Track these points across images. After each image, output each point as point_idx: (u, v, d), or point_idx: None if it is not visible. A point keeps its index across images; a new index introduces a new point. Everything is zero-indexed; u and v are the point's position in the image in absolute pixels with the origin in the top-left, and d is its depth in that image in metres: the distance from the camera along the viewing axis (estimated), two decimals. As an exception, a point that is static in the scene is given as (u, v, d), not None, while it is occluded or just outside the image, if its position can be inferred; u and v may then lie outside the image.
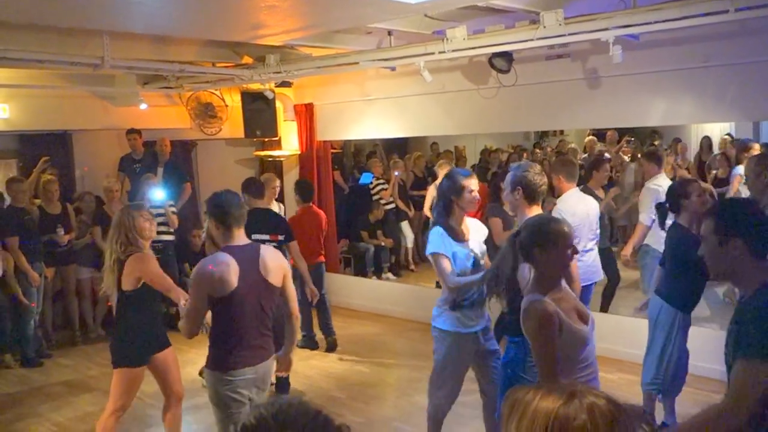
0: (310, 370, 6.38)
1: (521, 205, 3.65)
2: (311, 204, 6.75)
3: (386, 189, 9.48)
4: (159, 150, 7.94)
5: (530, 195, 3.63)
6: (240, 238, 3.44)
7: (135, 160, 7.88)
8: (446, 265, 3.80)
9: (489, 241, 4.22)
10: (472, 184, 3.89)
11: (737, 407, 2.08)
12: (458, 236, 3.90)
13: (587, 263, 5.04)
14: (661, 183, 5.79)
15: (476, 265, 3.90)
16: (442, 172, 6.51)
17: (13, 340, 6.64)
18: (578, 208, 5.03)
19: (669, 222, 4.43)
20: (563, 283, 2.82)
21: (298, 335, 3.88)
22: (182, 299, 3.85)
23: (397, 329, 7.46)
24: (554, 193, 5.34)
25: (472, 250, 3.91)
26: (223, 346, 3.42)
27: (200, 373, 6.18)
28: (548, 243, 2.70)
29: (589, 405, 1.14)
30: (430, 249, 3.86)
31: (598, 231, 5.29)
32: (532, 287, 2.75)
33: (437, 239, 3.85)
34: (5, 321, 6.52)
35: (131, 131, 7.79)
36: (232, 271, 3.31)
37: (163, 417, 4.35)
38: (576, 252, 2.79)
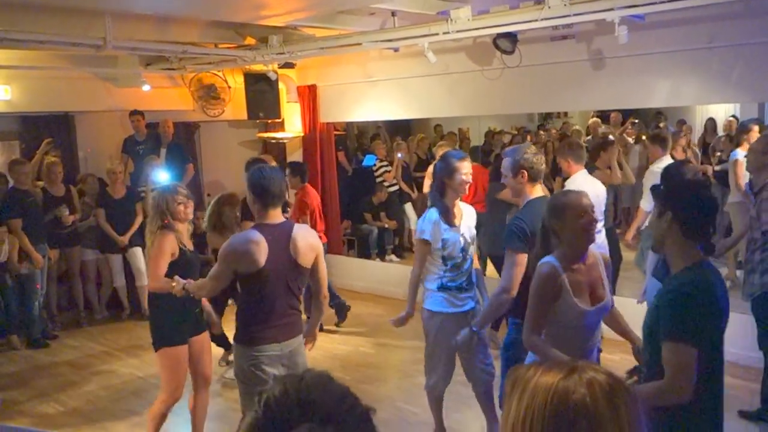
0: (314, 351, 6.30)
1: (525, 188, 3.64)
2: (307, 184, 6.77)
3: (389, 171, 9.46)
4: (162, 131, 7.95)
5: (534, 176, 3.63)
6: (275, 216, 3.44)
7: (138, 142, 7.88)
8: (424, 253, 3.97)
9: (478, 227, 4.27)
10: (465, 166, 3.90)
11: (679, 388, 2.19)
12: (450, 219, 3.93)
13: (597, 244, 5.03)
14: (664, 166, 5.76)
15: (464, 250, 3.95)
16: (440, 153, 6.52)
17: (19, 322, 6.69)
18: (587, 189, 5.01)
19: None
20: (593, 256, 2.91)
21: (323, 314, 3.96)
22: (174, 289, 3.73)
23: (401, 311, 7.46)
24: (562, 175, 5.34)
25: (462, 234, 3.95)
26: (249, 322, 3.48)
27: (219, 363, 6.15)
28: (558, 214, 2.80)
29: (588, 379, 1.14)
30: (419, 234, 4.00)
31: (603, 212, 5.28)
32: (555, 251, 2.86)
33: (428, 226, 3.92)
34: (11, 302, 6.56)
35: (134, 113, 7.78)
36: (261, 249, 3.33)
37: (191, 401, 4.30)
38: (593, 220, 2.84)
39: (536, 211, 3.40)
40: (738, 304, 4.41)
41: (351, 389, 1.03)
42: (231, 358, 5.97)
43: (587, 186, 5.03)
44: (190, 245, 4.10)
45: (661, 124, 9.89)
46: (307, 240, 3.52)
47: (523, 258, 3.40)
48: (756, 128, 7.48)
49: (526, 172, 3.60)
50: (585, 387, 1.13)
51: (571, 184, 4.99)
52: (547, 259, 2.81)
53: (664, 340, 2.22)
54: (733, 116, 9.43)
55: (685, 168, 4.29)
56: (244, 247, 3.35)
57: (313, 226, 6.59)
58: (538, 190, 3.67)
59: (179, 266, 3.91)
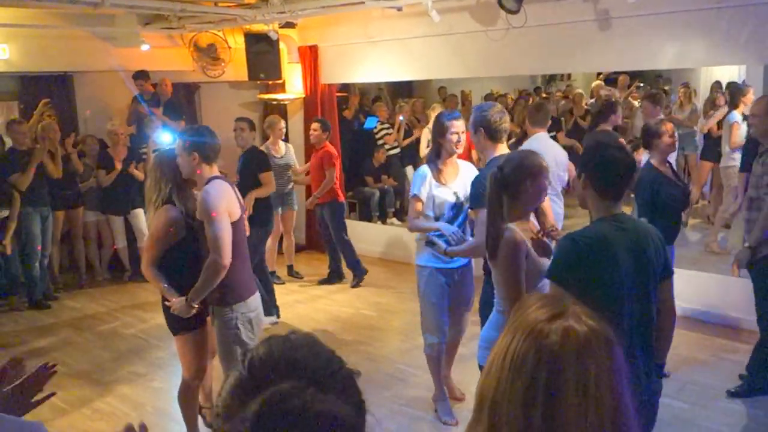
0: (317, 313, 6.45)
1: (486, 146, 3.72)
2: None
3: (390, 134, 9.40)
4: (160, 90, 7.89)
5: (492, 134, 3.69)
6: (215, 171, 3.53)
7: (144, 101, 7.82)
8: (415, 207, 3.98)
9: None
10: (456, 125, 3.93)
11: None
12: (442, 177, 3.97)
13: (554, 210, 5.01)
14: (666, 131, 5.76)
15: (456, 207, 3.99)
16: (433, 115, 6.59)
17: (20, 283, 6.71)
18: (544, 152, 4.94)
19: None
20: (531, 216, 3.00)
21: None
22: (174, 307, 3.53)
23: (403, 273, 7.50)
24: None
25: (455, 192, 3.98)
26: (238, 275, 3.48)
27: None
28: (530, 174, 2.80)
29: (566, 328, 1.15)
30: (412, 191, 4.04)
31: (566, 179, 5.22)
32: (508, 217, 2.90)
33: (418, 181, 4.00)
34: (12, 264, 6.57)
35: (139, 76, 7.68)
36: (234, 196, 3.50)
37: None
38: (543, 194, 2.90)
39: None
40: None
41: (336, 352, 1.01)
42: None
43: (546, 149, 4.98)
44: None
45: (667, 87, 9.80)
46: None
47: None
48: (752, 90, 7.44)
49: (482, 130, 3.68)
50: (559, 335, 1.14)
51: (527, 146, 4.96)
52: (509, 226, 2.81)
53: (548, 278, 2.48)
54: (734, 82, 9.32)
55: (664, 127, 4.40)
56: (227, 192, 3.44)
57: (337, 181, 6.98)
58: (502, 149, 3.72)
59: (182, 248, 3.55)
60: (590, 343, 1.14)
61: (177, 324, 3.61)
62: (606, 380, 1.12)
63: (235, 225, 3.43)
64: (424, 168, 4.02)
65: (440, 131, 3.94)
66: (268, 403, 0.88)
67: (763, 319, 4.32)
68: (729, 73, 10.22)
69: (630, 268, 2.41)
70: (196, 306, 3.47)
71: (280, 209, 7.03)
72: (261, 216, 5.98)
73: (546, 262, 2.80)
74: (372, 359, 5.31)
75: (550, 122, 5.50)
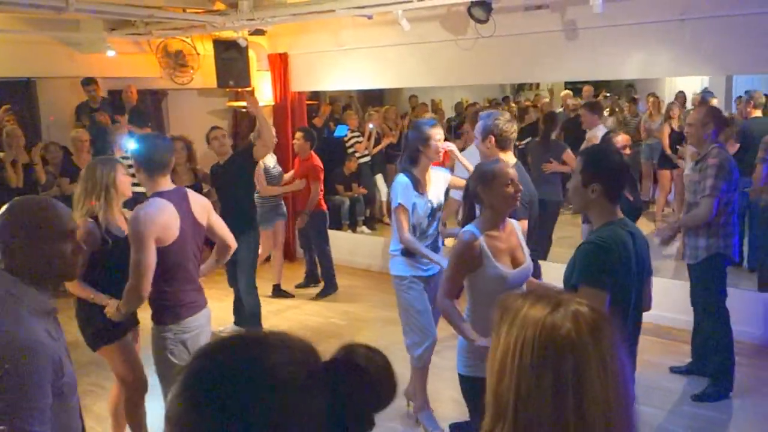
0: (286, 322, 6.39)
1: (494, 153, 3.71)
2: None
3: (360, 142, 9.39)
4: (125, 97, 7.76)
5: (502, 142, 3.73)
6: (165, 184, 3.29)
7: (92, 109, 7.66)
8: (404, 219, 3.91)
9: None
10: (438, 133, 3.95)
11: None
12: (420, 187, 3.98)
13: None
14: (598, 135, 6.07)
15: (431, 216, 4.02)
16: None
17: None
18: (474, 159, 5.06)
19: None
20: (510, 225, 3.04)
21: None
22: (108, 311, 3.45)
23: (373, 282, 7.48)
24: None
25: (430, 200, 4.00)
26: (173, 295, 3.29)
27: None
28: (487, 180, 2.90)
29: (574, 313, 1.17)
30: (396, 201, 3.92)
31: None
32: (476, 220, 3.00)
33: (402, 191, 3.92)
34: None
35: (89, 82, 7.54)
36: (173, 215, 3.21)
37: (116, 403, 3.95)
38: (518, 190, 2.94)
39: (525, 176, 3.62)
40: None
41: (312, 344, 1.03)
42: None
43: (472, 158, 5.05)
44: (124, 225, 3.52)
45: (636, 96, 9.97)
46: (198, 200, 3.46)
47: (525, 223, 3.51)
48: (715, 100, 7.66)
49: (493, 138, 3.70)
50: (571, 321, 1.16)
51: (468, 153, 5.05)
52: (468, 227, 2.94)
53: (579, 285, 2.45)
54: (706, 89, 9.54)
55: (614, 140, 4.55)
56: (160, 215, 3.16)
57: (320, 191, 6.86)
58: (510, 157, 3.74)
59: (105, 258, 3.47)
60: (597, 320, 1.18)
61: (94, 338, 3.59)
62: (615, 352, 1.18)
63: (174, 245, 3.21)
64: (404, 177, 3.94)
65: (422, 140, 3.90)
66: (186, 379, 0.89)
67: (698, 305, 4.58)
68: (692, 82, 10.43)
69: (635, 270, 2.55)
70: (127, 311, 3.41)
71: (276, 222, 6.86)
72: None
73: (507, 271, 2.89)
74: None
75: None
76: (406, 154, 4.01)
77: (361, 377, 0.97)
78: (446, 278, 2.99)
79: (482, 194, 2.94)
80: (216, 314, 6.03)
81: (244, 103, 8.53)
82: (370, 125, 9.40)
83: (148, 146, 3.30)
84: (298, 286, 7.32)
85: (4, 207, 1.97)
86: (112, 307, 3.41)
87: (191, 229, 3.33)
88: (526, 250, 3.09)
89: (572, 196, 2.70)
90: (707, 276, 4.46)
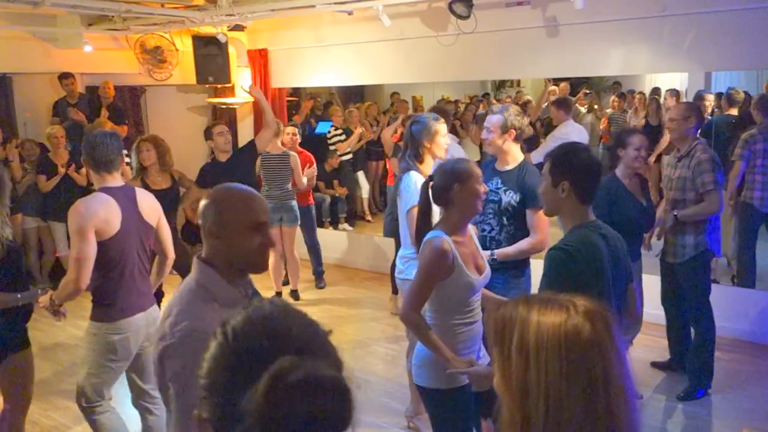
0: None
1: (510, 147, 3.68)
2: None
3: (343, 142, 9.32)
4: (102, 93, 7.66)
5: (519, 136, 3.70)
6: (113, 180, 3.36)
7: (69, 105, 7.56)
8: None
9: None
10: (444, 128, 3.85)
11: None
12: None
13: None
14: (568, 131, 6.01)
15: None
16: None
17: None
18: (454, 153, 4.96)
19: None
20: (469, 232, 2.90)
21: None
22: (43, 306, 3.40)
23: (355, 279, 7.46)
24: None
25: None
26: (112, 294, 3.32)
27: None
28: (462, 179, 2.74)
29: (585, 312, 1.17)
30: (410, 202, 3.62)
31: None
32: (438, 225, 2.82)
33: (413, 190, 3.61)
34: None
35: (66, 76, 7.44)
36: (114, 210, 3.26)
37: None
38: (485, 191, 2.85)
39: (537, 172, 3.51)
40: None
41: (307, 314, 1.04)
42: None
43: (454, 152, 4.97)
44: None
45: (624, 91, 10.02)
46: (148, 200, 3.50)
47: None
48: (710, 96, 7.68)
49: (514, 132, 3.63)
50: (589, 323, 1.16)
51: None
52: (437, 233, 2.74)
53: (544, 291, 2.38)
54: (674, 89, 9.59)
55: (632, 138, 4.34)
56: (101, 208, 3.22)
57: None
58: (518, 151, 3.72)
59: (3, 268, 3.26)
60: (605, 314, 1.19)
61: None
62: (619, 340, 1.19)
63: (113, 240, 3.24)
64: (414, 175, 3.70)
65: (429, 135, 3.74)
66: (275, 379, 0.88)
67: (700, 317, 4.47)
68: (670, 79, 10.49)
69: (610, 275, 2.42)
70: (60, 310, 3.41)
71: (279, 224, 6.50)
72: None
73: (474, 277, 2.76)
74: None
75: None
76: (410, 150, 3.80)
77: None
78: (415, 290, 2.73)
79: (457, 193, 2.75)
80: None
81: (223, 100, 8.47)
82: (361, 129, 9.33)
83: (92, 144, 3.32)
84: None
85: (211, 195, 1.92)
86: (46, 297, 3.40)
87: (135, 226, 3.36)
88: (485, 255, 3.01)
89: (543, 199, 2.61)
90: (696, 274, 4.43)
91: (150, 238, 3.48)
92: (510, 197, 3.62)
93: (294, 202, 6.58)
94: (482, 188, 2.80)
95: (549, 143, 5.98)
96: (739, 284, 5.95)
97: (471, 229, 2.98)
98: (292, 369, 0.89)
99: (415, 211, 3.50)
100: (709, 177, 4.22)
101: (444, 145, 3.82)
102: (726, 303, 5.27)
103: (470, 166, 2.83)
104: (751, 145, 5.60)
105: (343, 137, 9.35)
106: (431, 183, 2.85)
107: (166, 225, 3.62)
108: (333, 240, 8.37)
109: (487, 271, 2.90)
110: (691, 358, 4.59)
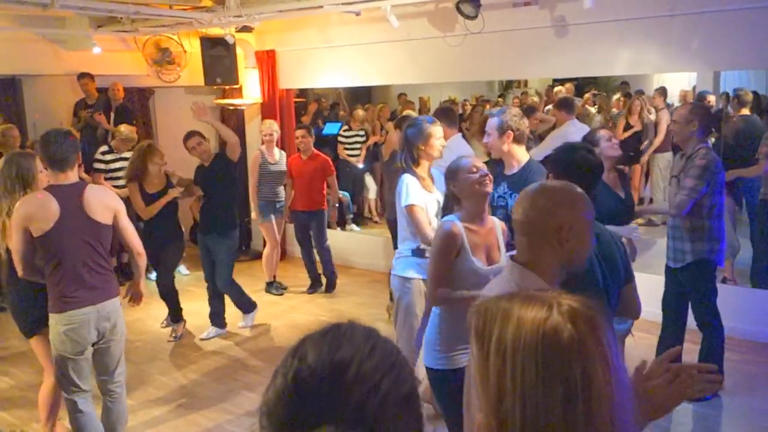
0: (273, 320, 6.36)
1: (511, 149, 3.67)
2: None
3: (364, 143, 9.42)
4: (111, 95, 7.70)
5: (519, 137, 3.67)
6: (65, 178, 3.46)
7: (88, 105, 7.61)
8: (423, 216, 3.78)
9: None
10: (439, 131, 3.86)
11: None
12: (426, 185, 3.88)
13: None
14: (569, 131, 5.97)
15: (437, 215, 3.91)
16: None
17: None
18: (463, 152, 4.96)
19: None
20: (491, 221, 3.05)
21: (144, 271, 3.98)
22: None
23: (362, 280, 7.46)
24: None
25: (437, 200, 3.89)
26: (58, 287, 3.46)
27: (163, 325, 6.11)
28: (453, 175, 2.97)
29: (569, 311, 1.09)
30: (407, 200, 3.77)
31: None
32: (456, 212, 3.02)
33: (413, 190, 3.78)
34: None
35: (82, 75, 7.49)
36: (49, 208, 3.37)
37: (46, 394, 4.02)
38: (484, 175, 2.95)
39: (542, 171, 3.47)
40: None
41: (399, 362, 0.93)
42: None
43: (462, 149, 4.98)
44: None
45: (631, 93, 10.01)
46: (101, 198, 3.59)
47: None
48: (712, 97, 7.65)
49: (512, 133, 3.63)
50: (570, 322, 1.08)
51: (447, 149, 4.94)
52: (450, 217, 2.95)
53: None
54: (694, 87, 9.58)
55: (597, 134, 4.29)
56: (32, 207, 3.37)
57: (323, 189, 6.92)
58: (523, 151, 3.71)
59: None
60: (592, 316, 1.11)
61: (32, 326, 3.80)
62: (612, 344, 1.11)
63: (48, 236, 3.37)
64: (411, 176, 3.82)
65: (424, 138, 3.81)
66: None
67: (706, 322, 4.42)
68: (679, 78, 10.46)
69: (604, 274, 2.41)
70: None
71: (272, 217, 6.87)
72: (172, 232, 5.81)
73: (480, 266, 2.87)
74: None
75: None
76: (406, 153, 3.87)
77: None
78: (432, 272, 2.95)
79: (454, 189, 2.98)
80: (202, 319, 6.02)
81: (231, 101, 8.49)
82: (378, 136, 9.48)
83: (46, 142, 3.45)
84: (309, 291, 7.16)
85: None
86: None
87: (76, 223, 3.45)
88: (503, 250, 3.03)
89: None
90: (695, 279, 4.38)
91: (101, 234, 3.56)
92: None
93: (282, 196, 6.95)
94: (474, 175, 2.93)
95: (548, 142, 5.94)
96: (755, 285, 5.91)
97: (496, 221, 3.10)
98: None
99: (414, 207, 3.74)
100: (690, 183, 4.18)
101: (439, 147, 3.86)
102: (737, 303, 5.25)
103: (458, 161, 3.01)
104: None
105: (363, 138, 9.40)
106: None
107: (127, 224, 3.70)
108: (340, 240, 8.38)
109: (500, 264, 2.93)
110: (701, 361, 4.55)
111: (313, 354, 0.89)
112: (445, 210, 3.17)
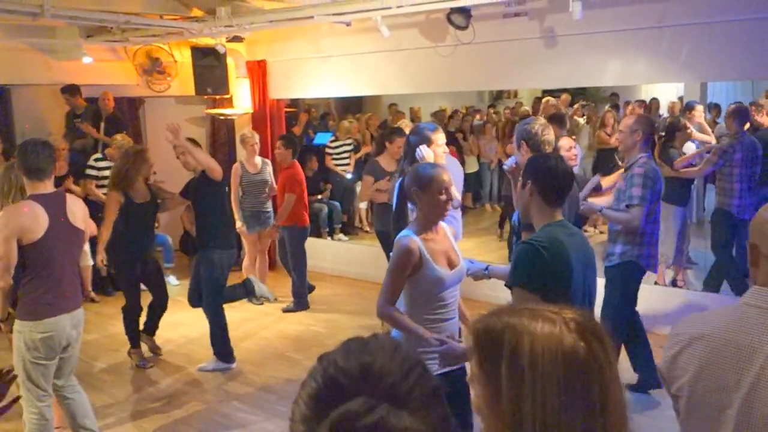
0: (265, 330, 6.33)
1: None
2: (295, 160, 6.80)
3: (355, 153, 9.40)
4: (101, 105, 7.67)
5: (535, 148, 3.59)
6: (44, 188, 3.51)
7: (76, 116, 7.58)
8: None
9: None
10: (441, 138, 3.92)
11: None
12: None
13: (456, 218, 4.81)
14: (562, 145, 5.97)
15: None
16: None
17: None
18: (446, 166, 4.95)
19: None
20: (441, 228, 3.07)
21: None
22: None
23: (352, 290, 7.45)
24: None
25: None
26: (38, 294, 3.49)
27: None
28: (423, 185, 2.93)
29: (577, 329, 1.08)
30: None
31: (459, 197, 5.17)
32: (410, 224, 3.05)
33: None
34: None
35: (65, 90, 7.44)
36: (38, 217, 3.42)
37: None
38: (450, 198, 2.98)
39: None
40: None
41: (423, 361, 0.94)
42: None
43: (449, 165, 4.95)
44: None
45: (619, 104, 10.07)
46: (81, 206, 3.73)
47: None
48: (699, 107, 7.72)
49: (525, 143, 3.60)
50: (583, 340, 1.07)
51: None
52: (405, 232, 2.97)
53: (513, 286, 2.54)
54: (680, 98, 9.67)
55: (559, 142, 4.37)
56: (25, 219, 3.41)
57: (302, 203, 6.71)
58: None
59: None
60: (597, 329, 1.11)
61: None
62: (613, 354, 1.12)
63: (36, 245, 3.42)
64: None
65: (425, 143, 3.84)
66: (338, 423, 0.83)
67: (615, 325, 4.38)
68: (667, 89, 10.56)
69: (579, 270, 2.57)
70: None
71: (257, 228, 6.82)
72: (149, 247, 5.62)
73: (445, 272, 2.94)
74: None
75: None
76: (407, 160, 3.91)
77: None
78: (387, 285, 2.96)
79: (416, 197, 2.97)
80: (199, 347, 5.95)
81: (222, 111, 8.49)
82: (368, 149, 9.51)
83: (24, 151, 3.49)
84: (286, 311, 6.87)
85: None
86: None
87: (62, 232, 3.53)
88: (459, 252, 3.13)
89: (517, 201, 2.79)
90: (613, 281, 4.42)
91: (81, 242, 3.70)
92: (517, 213, 3.63)
93: (269, 206, 6.91)
94: (443, 196, 2.94)
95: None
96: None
97: (445, 227, 3.15)
98: (362, 413, 0.83)
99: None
100: (636, 191, 4.21)
101: (441, 153, 3.90)
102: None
103: (435, 173, 2.97)
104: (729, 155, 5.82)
105: (351, 148, 9.39)
106: (403, 181, 3.09)
107: (88, 233, 3.85)
108: (331, 250, 8.37)
109: (461, 266, 3.05)
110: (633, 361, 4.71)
111: (342, 358, 0.92)
112: (399, 204, 3.22)
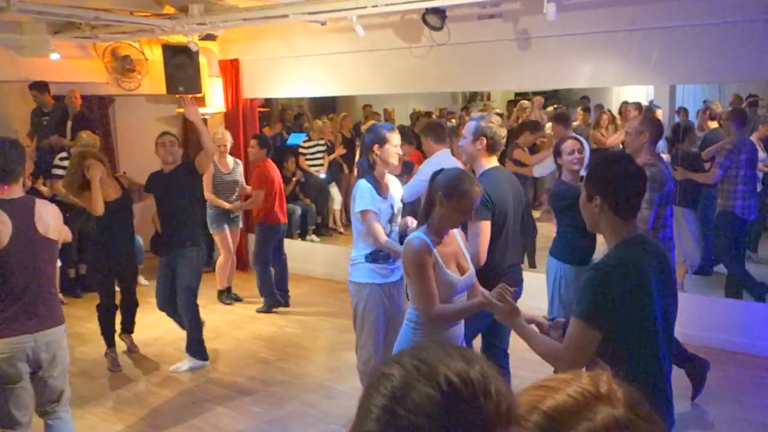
0: (238, 331, 6.26)
1: (480, 155, 3.65)
2: (268, 158, 6.71)
3: (328, 154, 9.35)
4: (69, 103, 7.50)
5: (492, 146, 3.63)
6: (11, 192, 3.20)
7: (44, 113, 7.42)
8: (377, 222, 3.82)
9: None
10: (395, 138, 3.91)
11: (570, 362, 2.17)
12: (382, 191, 3.93)
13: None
14: (564, 149, 6.01)
15: (391, 221, 3.97)
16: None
17: None
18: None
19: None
20: (451, 233, 3.01)
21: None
22: None
23: (325, 290, 7.41)
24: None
25: (391, 205, 3.96)
26: None
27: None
28: (452, 195, 2.83)
29: (628, 404, 0.97)
30: (360, 206, 3.82)
31: None
32: (422, 228, 2.95)
33: (367, 195, 3.84)
34: None
35: (33, 86, 7.27)
36: (2, 224, 3.10)
37: None
38: (467, 218, 2.97)
39: (495, 181, 3.54)
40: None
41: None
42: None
43: (447, 165, 4.98)
44: None
45: (590, 107, 10.18)
46: (53, 213, 3.35)
47: (487, 225, 3.46)
48: (660, 111, 7.86)
49: (485, 140, 3.59)
50: (635, 415, 0.96)
51: (431, 163, 4.90)
52: (416, 234, 2.90)
53: (574, 315, 2.22)
54: (651, 102, 9.79)
55: (563, 146, 4.36)
56: None
57: (276, 203, 6.63)
58: (494, 161, 3.70)
59: None
60: (638, 399, 1.00)
61: None
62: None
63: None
64: (366, 182, 3.87)
65: (379, 142, 3.86)
66: None
67: None
68: (636, 92, 10.69)
69: (659, 291, 2.26)
70: None
71: (226, 226, 6.84)
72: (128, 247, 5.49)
73: (455, 276, 2.89)
74: (297, 377, 5.18)
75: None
76: (363, 158, 3.95)
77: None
78: (420, 291, 2.83)
79: (438, 201, 2.87)
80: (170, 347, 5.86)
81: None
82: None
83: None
84: (260, 311, 6.79)
85: None
86: None
87: (27, 242, 3.19)
88: (468, 256, 3.08)
89: (582, 213, 2.42)
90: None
91: (52, 253, 3.32)
92: None
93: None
94: (467, 209, 2.87)
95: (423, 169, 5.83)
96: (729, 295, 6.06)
97: (455, 231, 3.08)
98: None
99: (367, 213, 3.78)
100: (645, 195, 4.24)
101: (395, 153, 3.90)
102: (718, 314, 5.50)
103: (471, 190, 2.86)
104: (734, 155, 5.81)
105: (324, 148, 9.34)
106: (435, 177, 2.96)
107: (61, 240, 3.48)
108: (303, 251, 8.31)
109: (471, 271, 2.98)
110: None
111: (459, 363, 0.89)
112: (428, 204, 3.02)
